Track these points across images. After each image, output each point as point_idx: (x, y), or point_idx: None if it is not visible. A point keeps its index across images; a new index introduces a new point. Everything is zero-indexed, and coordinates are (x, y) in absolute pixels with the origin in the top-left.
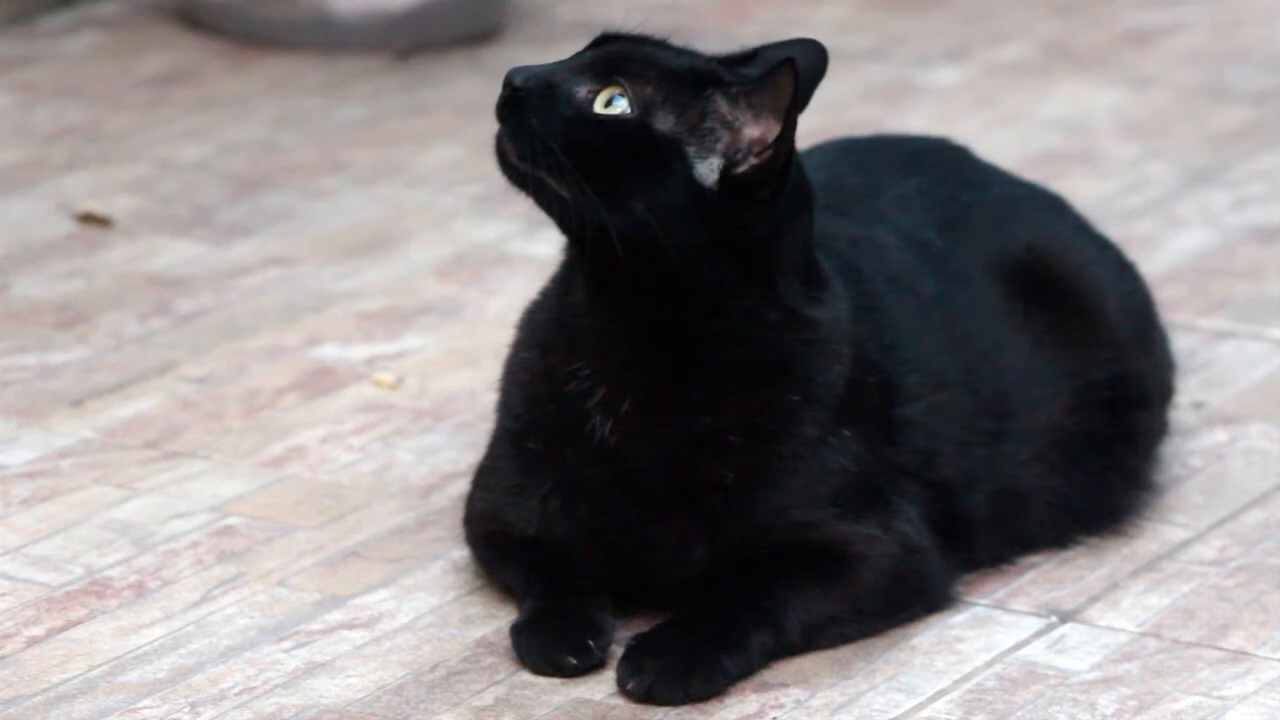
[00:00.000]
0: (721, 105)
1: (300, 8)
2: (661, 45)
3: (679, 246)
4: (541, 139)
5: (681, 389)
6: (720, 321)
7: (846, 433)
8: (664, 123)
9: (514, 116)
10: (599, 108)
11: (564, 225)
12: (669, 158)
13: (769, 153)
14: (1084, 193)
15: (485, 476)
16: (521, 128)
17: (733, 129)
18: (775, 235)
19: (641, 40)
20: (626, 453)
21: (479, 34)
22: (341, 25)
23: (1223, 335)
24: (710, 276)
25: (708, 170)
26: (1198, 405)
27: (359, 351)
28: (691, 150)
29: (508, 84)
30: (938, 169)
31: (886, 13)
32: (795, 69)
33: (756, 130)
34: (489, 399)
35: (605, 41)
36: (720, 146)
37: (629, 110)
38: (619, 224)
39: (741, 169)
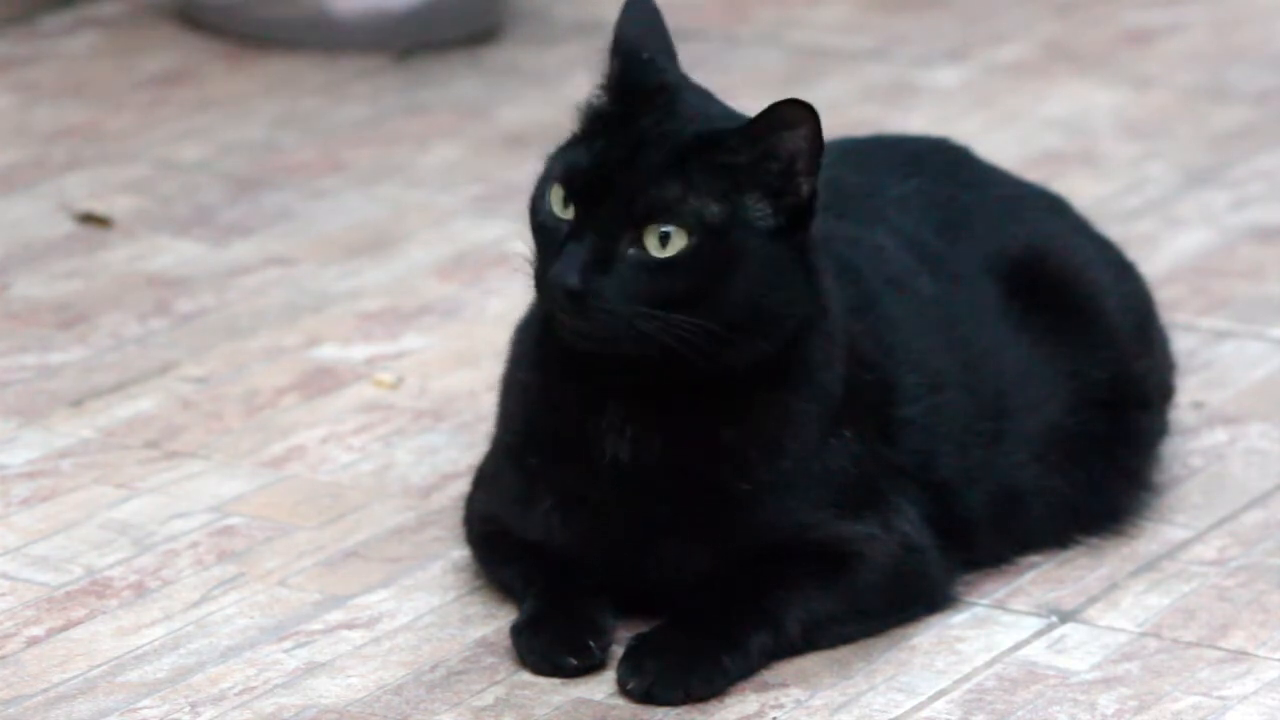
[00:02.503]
0: (738, 157)
1: (300, 8)
2: (635, 138)
3: (785, 300)
4: (632, 320)
5: (693, 400)
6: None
7: (846, 432)
8: (714, 216)
9: (589, 314)
10: (658, 253)
11: (690, 357)
12: (742, 241)
13: (802, 170)
14: (1084, 193)
15: (486, 482)
16: (603, 318)
17: (756, 172)
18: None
19: (626, 152)
20: (638, 469)
21: (479, 34)
22: (341, 25)
23: (1223, 335)
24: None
25: (765, 216)
26: (1198, 405)
27: (359, 351)
28: (750, 213)
29: (561, 289)
30: (938, 169)
31: (886, 13)
32: (791, 101)
33: (784, 162)
34: (489, 399)
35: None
36: (759, 190)
37: (685, 237)
38: (746, 334)
39: (790, 198)
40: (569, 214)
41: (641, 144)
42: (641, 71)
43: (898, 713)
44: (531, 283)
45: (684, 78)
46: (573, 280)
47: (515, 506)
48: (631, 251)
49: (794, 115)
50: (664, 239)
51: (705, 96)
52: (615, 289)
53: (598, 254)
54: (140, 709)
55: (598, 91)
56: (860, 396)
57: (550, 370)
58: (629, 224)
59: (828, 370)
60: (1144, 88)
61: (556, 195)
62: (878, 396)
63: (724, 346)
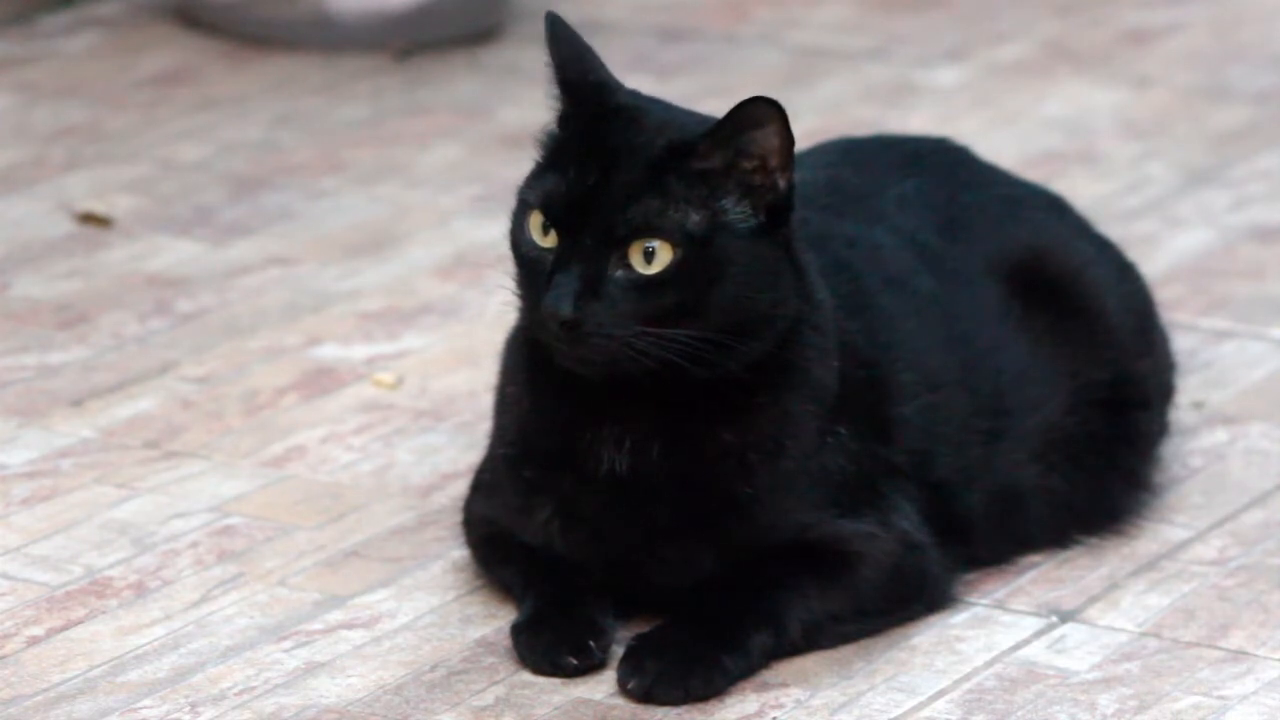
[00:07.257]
0: (712, 161)
1: (300, 8)
2: (604, 160)
3: (775, 298)
4: (629, 340)
5: (689, 406)
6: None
7: (843, 430)
8: (696, 224)
9: (587, 342)
10: (645, 270)
11: (691, 367)
12: (726, 245)
13: (776, 166)
14: (1084, 193)
15: (485, 488)
16: (601, 343)
17: (732, 174)
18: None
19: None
20: (637, 478)
21: (479, 34)
22: (341, 25)
23: (1223, 335)
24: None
25: (746, 217)
26: (1198, 405)
27: (359, 351)
28: (730, 216)
29: (556, 320)
30: (938, 169)
31: (886, 13)
32: (755, 99)
33: (758, 160)
34: (489, 399)
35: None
36: (736, 191)
37: (671, 250)
38: (742, 336)
39: (769, 195)
40: (550, 241)
41: (613, 163)
42: (594, 93)
43: (898, 713)
44: (520, 308)
45: (635, 93)
46: (566, 310)
47: (514, 516)
48: (619, 273)
49: (761, 113)
50: (649, 255)
51: (662, 105)
52: (609, 313)
53: (587, 280)
54: (140, 709)
55: (556, 121)
56: (855, 394)
57: (542, 384)
58: (613, 245)
59: (822, 365)
60: (1144, 88)
61: (536, 223)
62: (873, 394)
63: (721, 352)
